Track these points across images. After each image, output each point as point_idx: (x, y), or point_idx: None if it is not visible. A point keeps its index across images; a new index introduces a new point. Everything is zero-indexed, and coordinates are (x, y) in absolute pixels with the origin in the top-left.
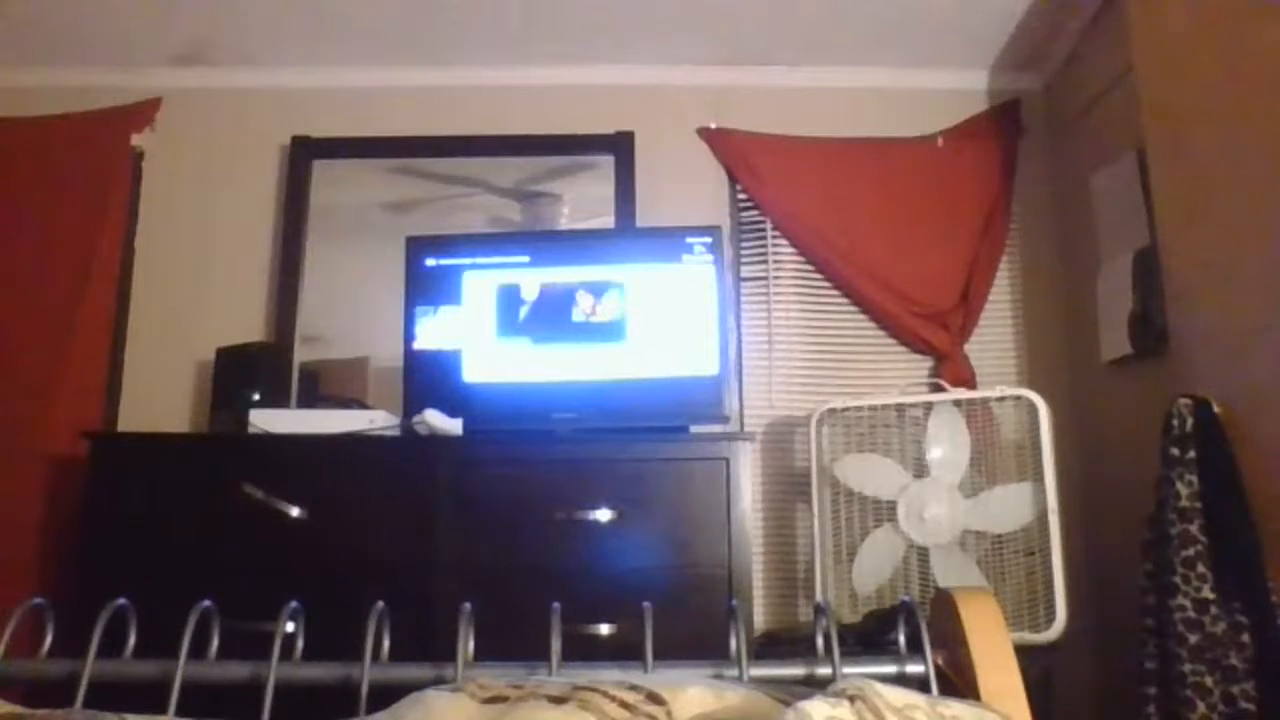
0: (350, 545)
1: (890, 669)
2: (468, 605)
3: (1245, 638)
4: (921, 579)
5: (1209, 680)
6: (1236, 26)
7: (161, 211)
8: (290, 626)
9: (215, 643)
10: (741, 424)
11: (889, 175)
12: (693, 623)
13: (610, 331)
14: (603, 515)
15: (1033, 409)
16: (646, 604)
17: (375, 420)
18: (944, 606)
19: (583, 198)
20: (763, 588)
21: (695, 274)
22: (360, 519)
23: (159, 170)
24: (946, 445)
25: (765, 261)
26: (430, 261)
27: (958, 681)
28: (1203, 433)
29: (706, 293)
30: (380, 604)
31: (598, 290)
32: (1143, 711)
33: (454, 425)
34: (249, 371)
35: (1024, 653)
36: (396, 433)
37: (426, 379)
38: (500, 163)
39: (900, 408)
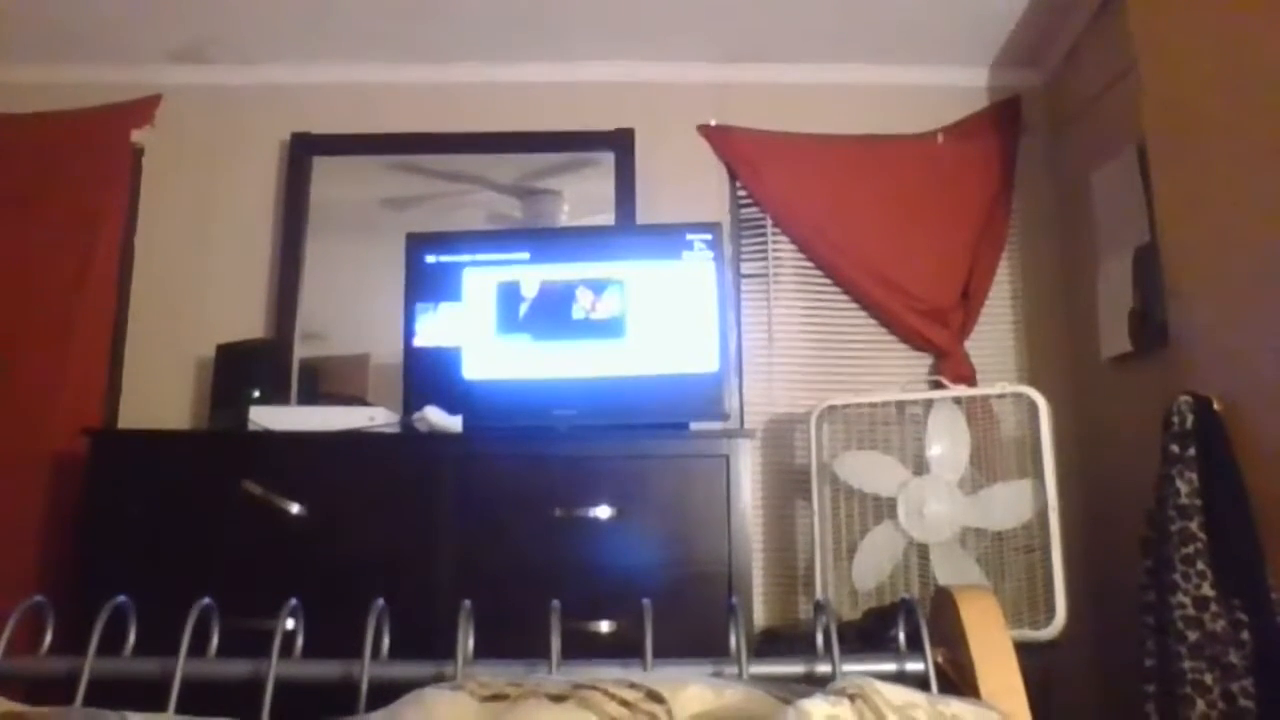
0: (350, 542)
1: (890, 667)
2: (467, 603)
3: (1245, 635)
4: (921, 576)
5: (1208, 678)
6: (1238, 23)
7: (161, 208)
8: (290, 624)
9: (215, 640)
10: (742, 421)
11: (889, 172)
12: (692, 620)
13: (610, 328)
14: (602, 512)
15: (1033, 406)
16: (646, 601)
17: (375, 417)
18: (944, 604)
19: (583, 195)
20: (762, 585)
21: (695, 271)
22: (360, 516)
23: (159, 167)
24: (946, 442)
25: (765, 258)
26: (430, 258)
27: (957, 679)
28: (1203, 430)
29: (706, 289)
30: (380, 601)
31: (598, 287)
32: (1142, 709)
33: (454, 422)
34: (249, 368)
35: (1024, 650)
36: (396, 430)
37: (427, 376)
38: (500, 159)
39: (900, 405)
